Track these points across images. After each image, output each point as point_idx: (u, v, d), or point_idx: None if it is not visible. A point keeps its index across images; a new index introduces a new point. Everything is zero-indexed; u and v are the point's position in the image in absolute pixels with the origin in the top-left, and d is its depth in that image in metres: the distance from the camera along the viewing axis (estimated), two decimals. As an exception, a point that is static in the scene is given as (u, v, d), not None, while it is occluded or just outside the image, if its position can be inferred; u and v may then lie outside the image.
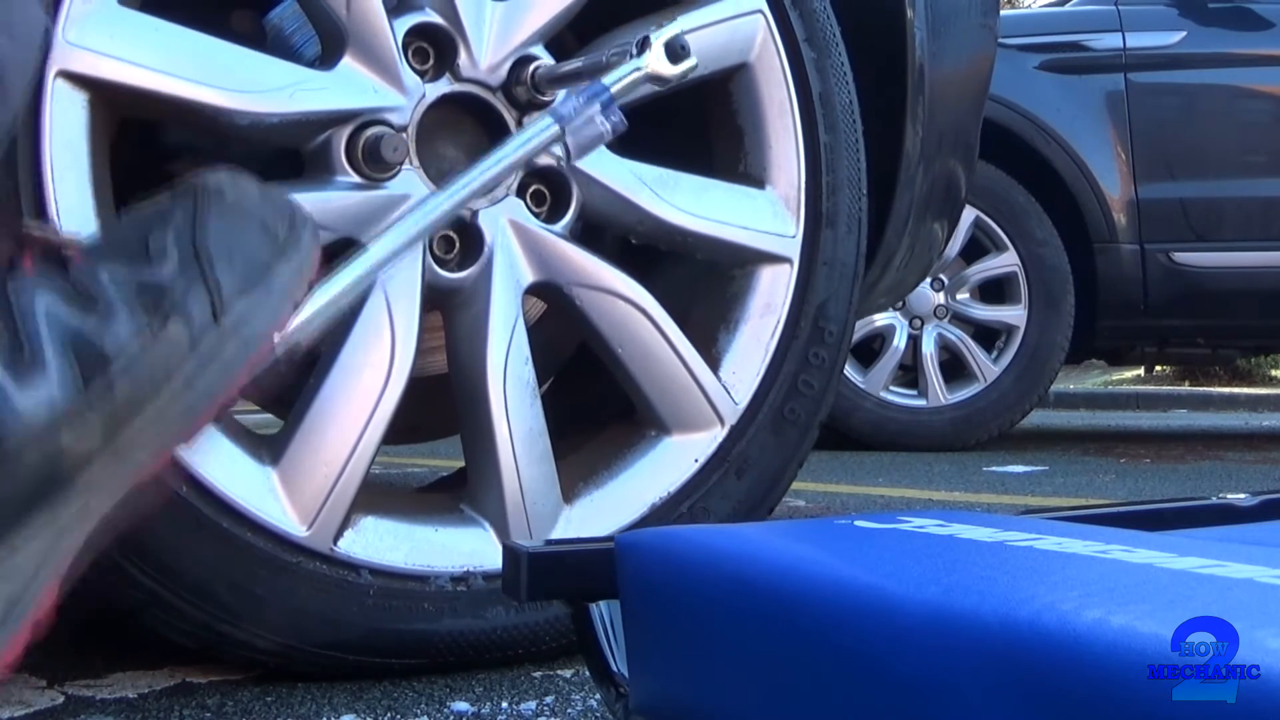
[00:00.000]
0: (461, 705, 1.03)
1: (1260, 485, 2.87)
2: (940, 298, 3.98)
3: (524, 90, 1.15)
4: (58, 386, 0.72)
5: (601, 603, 0.82)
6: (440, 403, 1.29)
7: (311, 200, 1.05)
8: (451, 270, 1.13)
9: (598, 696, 1.03)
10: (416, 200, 1.07)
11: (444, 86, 1.13)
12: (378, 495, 1.16)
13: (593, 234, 1.31)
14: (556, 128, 0.96)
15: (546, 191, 1.19)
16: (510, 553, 0.82)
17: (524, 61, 1.15)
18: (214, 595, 1.02)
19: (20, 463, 0.70)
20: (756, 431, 1.27)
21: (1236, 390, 9.51)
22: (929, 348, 3.95)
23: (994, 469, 3.37)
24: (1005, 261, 3.89)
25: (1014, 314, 3.91)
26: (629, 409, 1.27)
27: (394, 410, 1.09)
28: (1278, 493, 0.99)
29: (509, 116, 1.15)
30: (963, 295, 3.97)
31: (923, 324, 3.97)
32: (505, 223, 1.15)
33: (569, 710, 1.01)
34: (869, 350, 3.97)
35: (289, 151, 1.12)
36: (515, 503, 1.14)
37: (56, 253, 0.77)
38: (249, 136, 1.06)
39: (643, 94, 1.05)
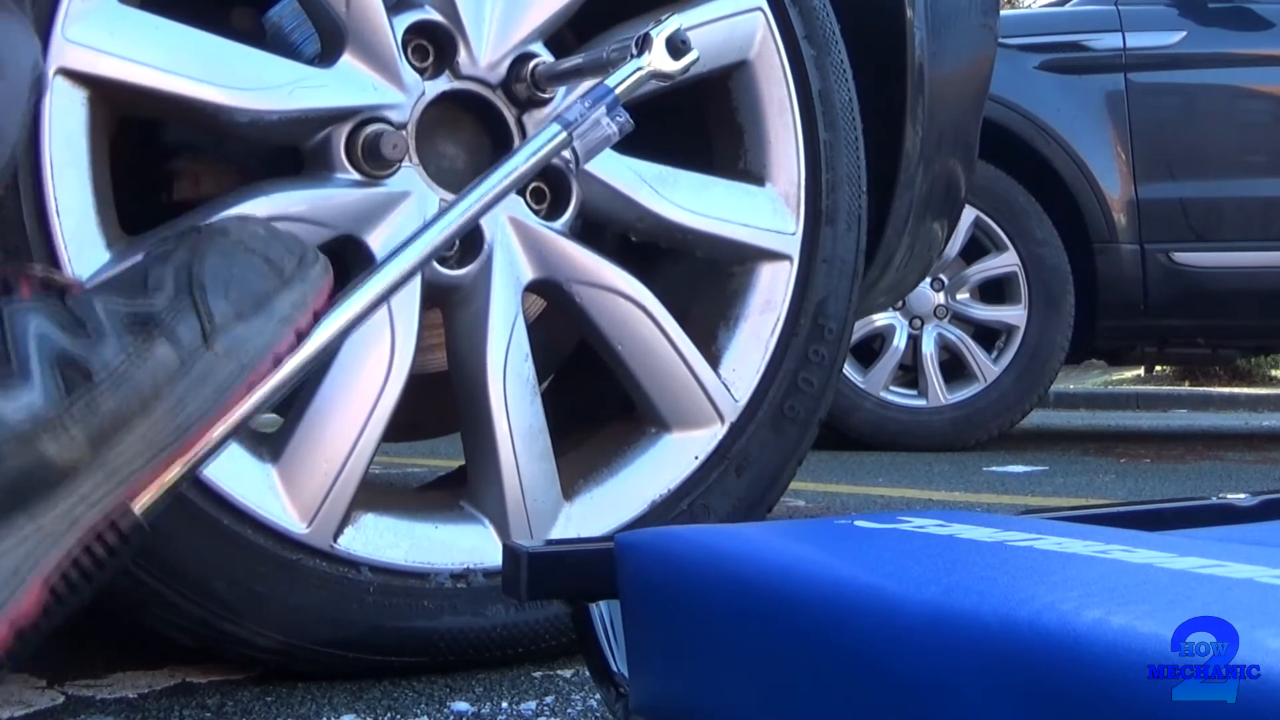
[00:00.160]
0: (461, 705, 1.03)
1: (1260, 485, 2.87)
2: (940, 298, 3.98)
3: (524, 87, 1.15)
4: (40, 396, 0.74)
5: (601, 603, 0.82)
6: (440, 400, 1.29)
7: (311, 197, 1.05)
8: (451, 267, 1.13)
9: (598, 696, 1.03)
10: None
11: (443, 84, 1.13)
12: (378, 492, 1.16)
13: (593, 231, 1.31)
14: (564, 134, 0.96)
15: (546, 189, 1.19)
16: (510, 552, 0.82)
17: (524, 59, 1.15)
18: (214, 592, 1.02)
19: (1, 466, 0.72)
20: (756, 429, 1.27)
21: (1236, 390, 9.51)
22: (929, 348, 3.95)
23: (994, 469, 3.37)
24: (1005, 261, 3.89)
25: (1014, 314, 3.91)
26: (629, 406, 1.27)
27: (394, 407, 1.09)
28: (1278, 493, 0.99)
29: (509, 114, 1.15)
30: (963, 295, 3.97)
31: (923, 324, 3.97)
32: (505, 220, 1.15)
33: (569, 710, 1.01)
34: (869, 350, 3.97)
35: (289, 149, 1.12)
36: (515, 500, 1.14)
37: (58, 288, 0.79)
38: (248, 134, 1.06)
39: (645, 89, 1.05)
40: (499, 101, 1.15)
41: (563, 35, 1.26)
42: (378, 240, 1.08)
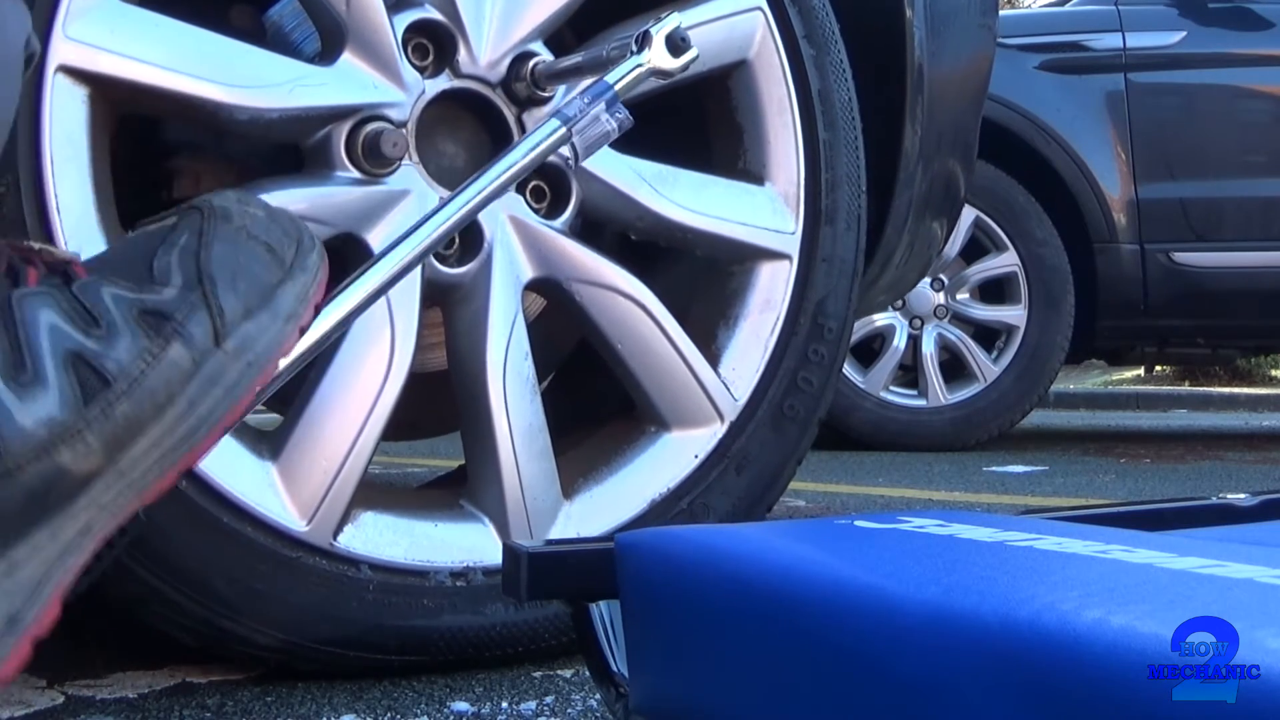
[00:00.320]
0: (461, 705, 1.03)
1: (1260, 485, 2.87)
2: (940, 298, 3.98)
3: (524, 86, 1.15)
4: (58, 405, 0.72)
5: (601, 603, 0.82)
6: (440, 399, 1.29)
7: (311, 196, 1.05)
8: (451, 266, 1.13)
9: (598, 696, 1.03)
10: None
11: (444, 82, 1.13)
12: (377, 491, 1.16)
13: (592, 230, 1.31)
14: (563, 129, 0.96)
15: (546, 187, 1.19)
16: (510, 552, 0.82)
17: (524, 58, 1.15)
18: (214, 590, 1.02)
19: (19, 479, 0.71)
20: (756, 428, 1.27)
21: (1236, 390, 9.51)
22: (929, 348, 3.95)
23: (994, 469, 3.37)
24: (1005, 261, 3.89)
25: (1014, 314, 3.91)
26: (629, 405, 1.27)
27: (394, 406, 1.09)
28: (1278, 493, 0.99)
29: (508, 113, 1.15)
30: (963, 295, 3.97)
31: (923, 324, 3.97)
32: (505, 219, 1.15)
33: (569, 710, 1.01)
34: (869, 350, 3.97)
35: (289, 147, 1.12)
36: (515, 498, 1.14)
37: (60, 268, 0.77)
38: (249, 132, 1.06)
39: (645, 89, 1.05)
40: (499, 100, 1.15)
41: (562, 34, 1.26)
42: (378, 238, 1.08)
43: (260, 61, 1.05)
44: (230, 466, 1.03)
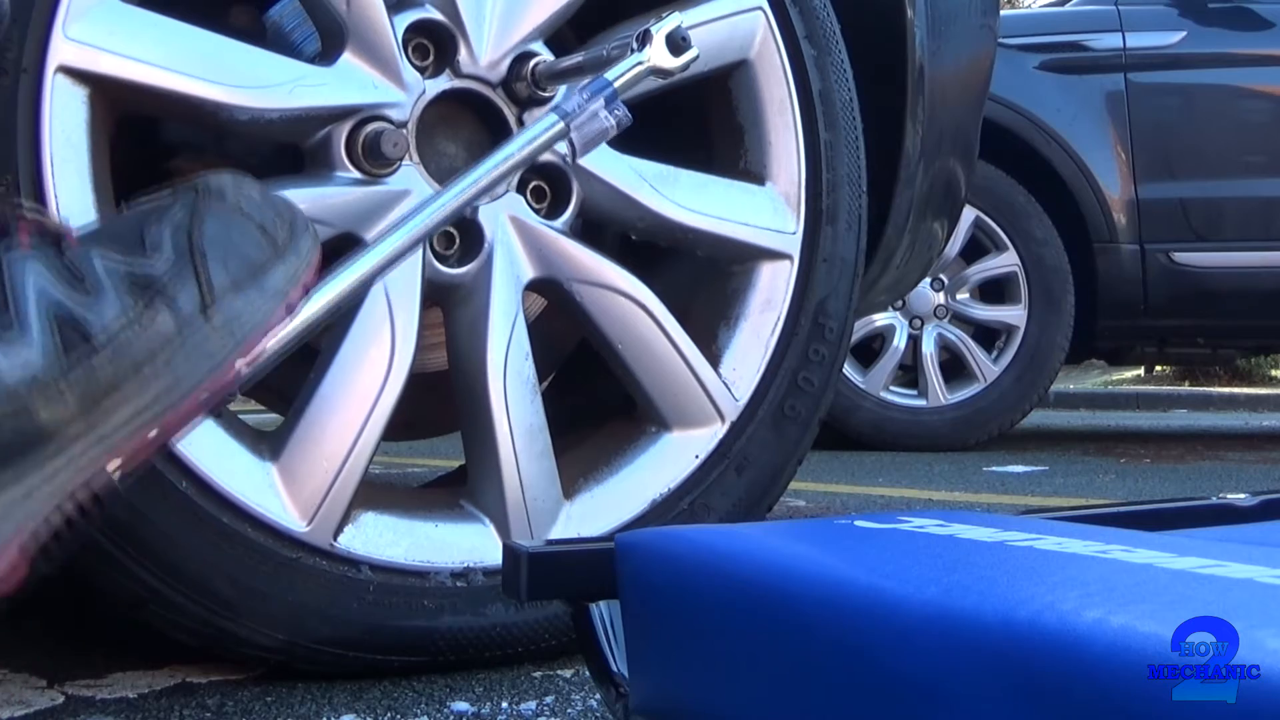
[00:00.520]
0: (461, 705, 1.03)
1: (1260, 485, 2.87)
2: (940, 298, 3.98)
3: (524, 86, 1.15)
4: (39, 358, 0.72)
5: (601, 603, 0.82)
6: (440, 399, 1.29)
7: (311, 196, 1.05)
8: (452, 266, 1.13)
9: (598, 696, 1.03)
10: (422, 199, 1.07)
11: (444, 83, 1.13)
12: (378, 491, 1.16)
13: (593, 230, 1.31)
14: (561, 124, 0.96)
15: (547, 187, 1.19)
16: (510, 552, 0.82)
17: (524, 58, 1.15)
18: (214, 591, 1.02)
19: None
20: (757, 428, 1.27)
21: (1236, 390, 9.51)
22: (929, 348, 3.95)
23: (994, 469, 3.37)
24: (1005, 261, 3.89)
25: (1014, 314, 3.91)
26: (629, 405, 1.27)
27: (394, 406, 1.09)
28: (1278, 493, 0.99)
29: (509, 113, 1.15)
30: (963, 295, 3.97)
31: (923, 324, 3.97)
32: (505, 219, 1.15)
33: (569, 710, 1.01)
34: (869, 350, 3.97)
35: (289, 147, 1.12)
36: (515, 499, 1.14)
37: (53, 235, 0.77)
38: (249, 132, 1.06)
39: (645, 88, 1.05)
40: (499, 100, 1.15)
41: (563, 35, 1.26)
42: (378, 239, 1.07)
43: (260, 62, 1.05)
44: (230, 467, 1.03)
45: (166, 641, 1.06)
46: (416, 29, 1.12)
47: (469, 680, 1.10)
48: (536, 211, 1.17)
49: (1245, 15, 4.02)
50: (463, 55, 1.13)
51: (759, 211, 1.29)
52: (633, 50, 0.98)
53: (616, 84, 0.97)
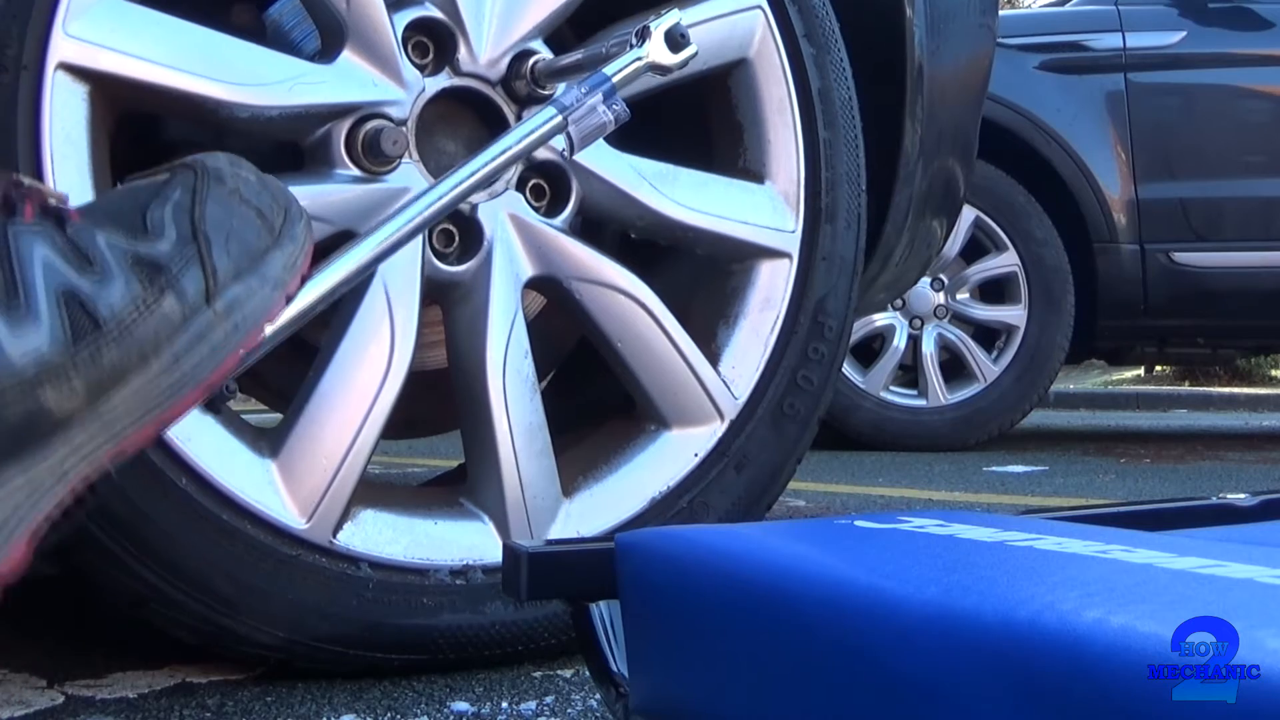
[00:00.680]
0: (461, 705, 1.03)
1: (1260, 485, 2.87)
2: (940, 298, 3.98)
3: (523, 84, 1.15)
4: (48, 342, 0.71)
5: (601, 603, 0.82)
6: (440, 397, 1.29)
7: (311, 193, 1.05)
8: (451, 264, 1.13)
9: (598, 696, 1.03)
10: (418, 192, 1.07)
11: (443, 80, 1.13)
12: (377, 489, 1.16)
13: (592, 228, 1.31)
14: (559, 118, 0.96)
15: (546, 185, 1.19)
16: (510, 552, 0.81)
17: (523, 56, 1.15)
18: (213, 588, 1.02)
19: (1, 415, 0.69)
20: (756, 426, 1.27)
21: (1236, 390, 9.51)
22: (929, 348, 3.95)
23: (994, 469, 3.37)
24: (1005, 261, 3.89)
25: (1014, 314, 3.91)
26: (628, 403, 1.27)
27: (393, 404, 1.09)
28: (1278, 493, 0.99)
29: (508, 110, 1.15)
30: (963, 295, 3.97)
31: (923, 324, 3.97)
32: (505, 217, 1.15)
33: (569, 710, 1.01)
34: (869, 350, 3.97)
35: (289, 145, 1.12)
36: (515, 497, 1.14)
37: (55, 209, 0.76)
38: (249, 130, 1.06)
39: (645, 86, 1.05)
40: (499, 98, 1.15)
41: (562, 34, 1.26)
42: (378, 237, 1.07)
43: (260, 59, 1.05)
44: (230, 464, 1.03)
45: (166, 641, 1.06)
46: (416, 27, 1.11)
47: (469, 680, 1.10)
48: (536, 209, 1.17)
49: (1245, 15, 4.02)
50: (462, 53, 1.13)
51: (758, 210, 1.29)
52: (631, 46, 0.98)
53: (615, 79, 0.97)
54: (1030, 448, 4.12)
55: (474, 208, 1.13)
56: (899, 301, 3.89)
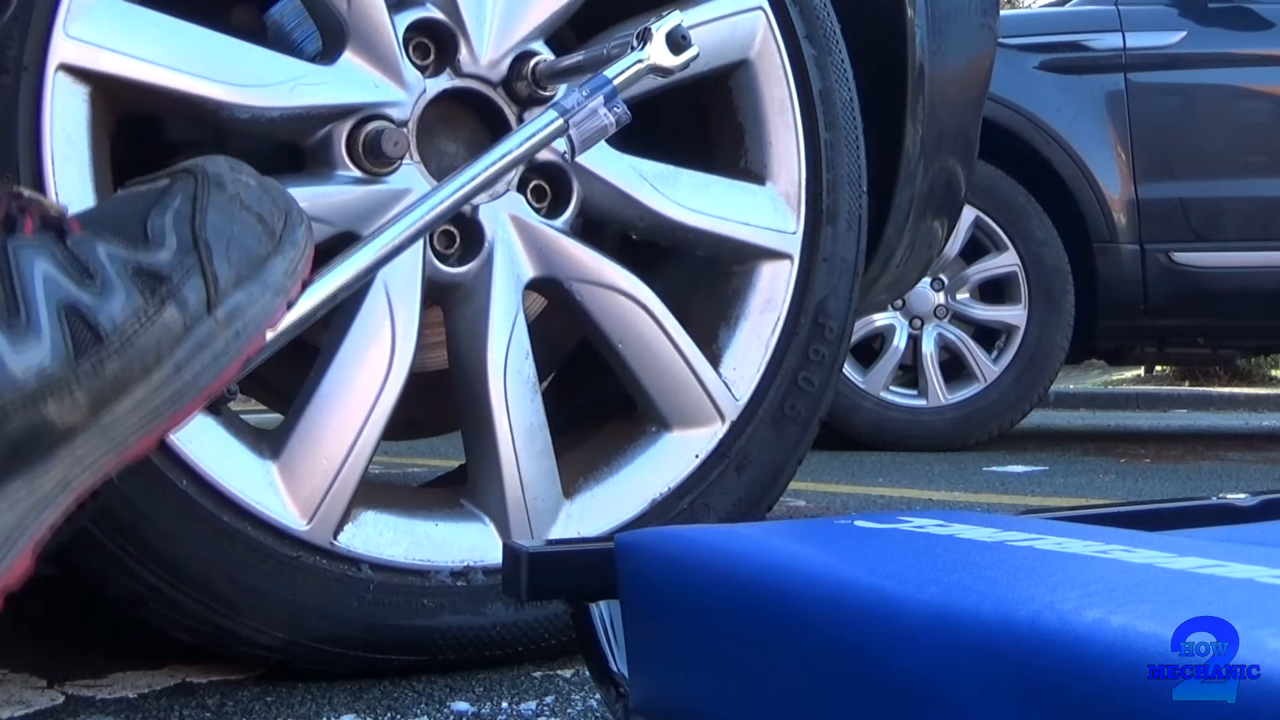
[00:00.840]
0: (461, 705, 1.03)
1: (1260, 485, 2.87)
2: (940, 298, 3.98)
3: (525, 85, 1.15)
4: (49, 356, 0.71)
5: (601, 603, 0.82)
6: (440, 398, 1.29)
7: (311, 194, 1.05)
8: (452, 265, 1.13)
9: (598, 696, 1.03)
10: (420, 195, 1.07)
11: (445, 82, 1.13)
12: (378, 490, 1.16)
13: (593, 229, 1.31)
14: (560, 121, 0.96)
15: (547, 187, 1.19)
16: (510, 552, 0.82)
17: (525, 57, 1.15)
18: (214, 589, 1.02)
19: (4, 428, 0.70)
20: (757, 428, 1.27)
21: (1236, 390, 9.51)
22: (929, 348, 3.95)
23: (994, 469, 3.37)
24: (1005, 261, 3.89)
25: (1014, 314, 3.91)
26: (629, 405, 1.27)
27: (394, 405, 1.09)
28: (1278, 493, 0.99)
29: (510, 112, 1.15)
30: (963, 295, 3.97)
31: (923, 324, 3.97)
32: (506, 218, 1.15)
33: (569, 710, 1.01)
34: (869, 350, 3.97)
35: (290, 146, 1.12)
36: (516, 498, 1.14)
37: (54, 221, 0.76)
38: (249, 131, 1.06)
39: (646, 87, 1.05)
40: (500, 99, 1.15)
41: (564, 35, 1.26)
42: (378, 238, 1.07)
43: (261, 60, 1.05)
44: (231, 465, 1.03)
45: (166, 641, 1.06)
46: (417, 28, 1.12)
47: (469, 680, 1.10)
48: (537, 211, 1.17)
49: (1245, 15, 4.02)
50: (463, 54, 1.13)
51: (759, 211, 1.29)
52: (632, 48, 0.98)
53: (616, 81, 0.97)
54: (1030, 448, 4.12)
55: (475, 209, 1.13)
56: (899, 301, 3.89)
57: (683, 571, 0.72)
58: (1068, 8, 4.28)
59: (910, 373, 4.00)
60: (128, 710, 1.00)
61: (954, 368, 3.98)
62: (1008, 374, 3.90)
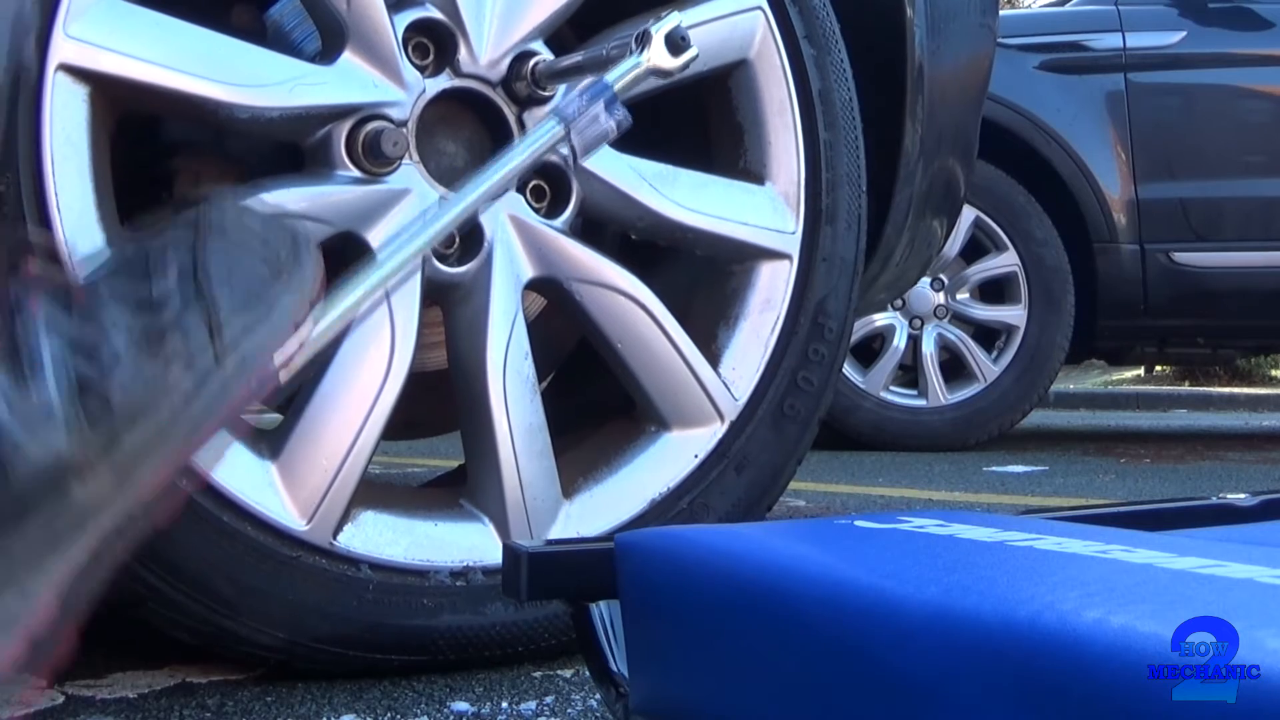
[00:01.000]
0: (461, 705, 1.03)
1: (1260, 485, 2.87)
2: (940, 298, 3.97)
3: (524, 85, 1.15)
4: (64, 434, 0.74)
5: (601, 603, 0.82)
6: (440, 398, 1.29)
7: (311, 194, 1.05)
8: (451, 265, 1.13)
9: (598, 696, 1.03)
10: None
11: (444, 82, 1.13)
12: (377, 490, 1.16)
13: (593, 229, 1.31)
14: (562, 128, 0.96)
15: (546, 187, 1.18)
16: (510, 552, 0.82)
17: (524, 57, 1.15)
18: (214, 589, 1.02)
19: (31, 510, 0.73)
20: (756, 428, 1.27)
21: (1236, 390, 9.51)
22: (929, 348, 3.95)
23: (994, 469, 3.37)
24: (1005, 261, 3.89)
25: (1014, 314, 3.91)
26: (629, 405, 1.27)
27: (394, 405, 1.09)
28: (1278, 493, 0.99)
29: (509, 111, 1.15)
30: (963, 295, 3.97)
31: (923, 324, 3.97)
32: (505, 218, 1.15)
33: (569, 710, 1.01)
34: (869, 350, 3.97)
35: (289, 146, 1.12)
36: (515, 498, 1.14)
37: (62, 289, 0.79)
38: (249, 131, 1.06)
39: (645, 88, 1.05)
40: (499, 99, 1.15)
41: (563, 34, 1.26)
42: (378, 237, 1.08)
43: (261, 60, 1.05)
44: (230, 466, 1.03)
45: (166, 641, 1.06)
46: (417, 28, 1.11)
47: (469, 680, 1.10)
48: (536, 211, 1.17)
49: (1245, 15, 4.02)
50: (463, 54, 1.13)
51: (758, 211, 1.29)
52: (632, 52, 0.98)
53: (616, 86, 0.97)
54: (1030, 448, 4.12)
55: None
56: (899, 301, 3.89)
57: (683, 571, 0.72)
58: (1068, 8, 4.28)
59: (910, 373, 4.00)
60: (128, 710, 1.00)
61: (954, 368, 3.98)
62: (1008, 374, 3.90)
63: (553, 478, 1.17)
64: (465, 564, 1.12)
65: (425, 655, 1.11)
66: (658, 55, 0.98)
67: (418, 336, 1.10)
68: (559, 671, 1.13)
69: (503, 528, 1.14)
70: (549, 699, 1.04)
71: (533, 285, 1.18)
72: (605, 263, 1.20)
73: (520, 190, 1.16)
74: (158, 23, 1.01)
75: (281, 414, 1.18)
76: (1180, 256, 3.88)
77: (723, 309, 1.30)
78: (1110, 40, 3.98)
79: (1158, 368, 10.76)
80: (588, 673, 0.96)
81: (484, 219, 1.14)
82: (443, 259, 1.13)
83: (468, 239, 1.14)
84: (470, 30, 1.13)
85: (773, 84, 1.30)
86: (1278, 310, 3.93)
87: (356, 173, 1.08)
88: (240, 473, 1.03)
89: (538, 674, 1.13)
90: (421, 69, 1.12)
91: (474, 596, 1.12)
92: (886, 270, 1.59)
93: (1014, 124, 3.87)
